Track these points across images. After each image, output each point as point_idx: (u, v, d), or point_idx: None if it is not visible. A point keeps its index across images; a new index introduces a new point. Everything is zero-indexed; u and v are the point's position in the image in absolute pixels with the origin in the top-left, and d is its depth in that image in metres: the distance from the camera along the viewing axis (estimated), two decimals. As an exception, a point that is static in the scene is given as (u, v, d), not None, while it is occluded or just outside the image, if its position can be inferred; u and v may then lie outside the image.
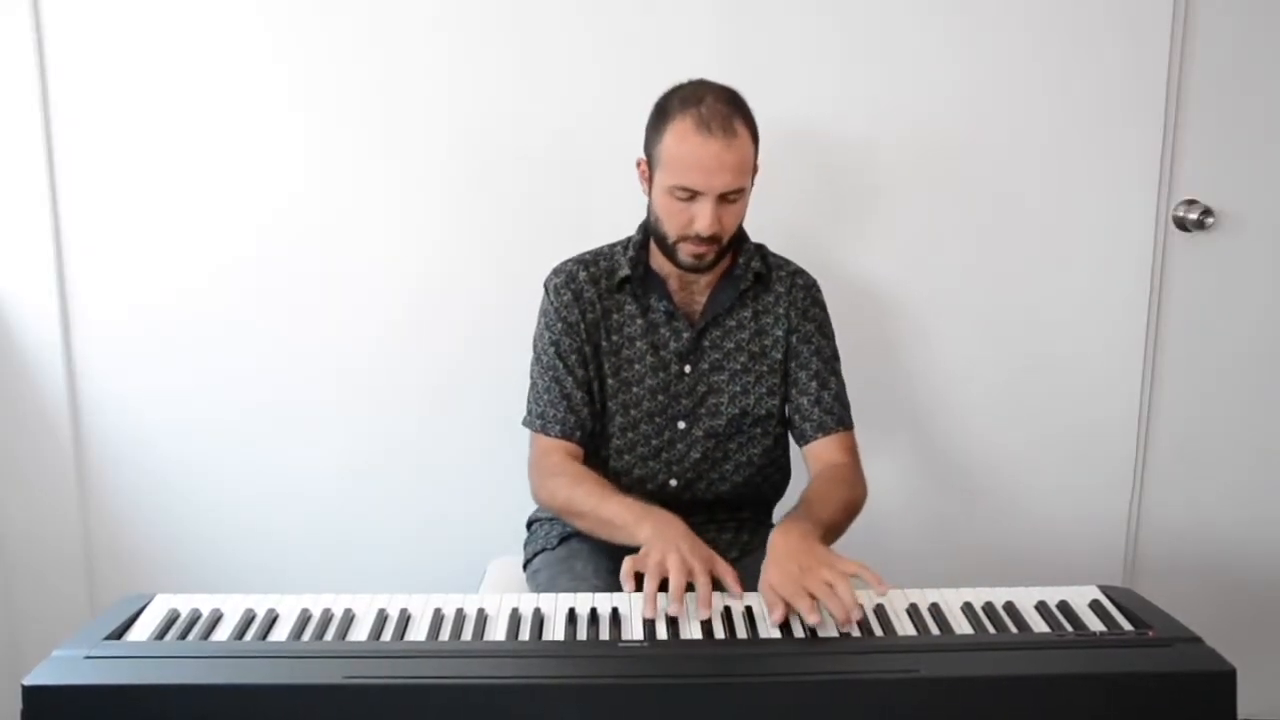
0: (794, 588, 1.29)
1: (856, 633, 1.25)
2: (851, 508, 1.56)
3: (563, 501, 1.57)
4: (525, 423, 1.67)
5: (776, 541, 1.39)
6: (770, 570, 1.34)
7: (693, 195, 1.51)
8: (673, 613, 1.27)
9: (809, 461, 1.66)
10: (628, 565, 1.33)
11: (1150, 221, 2.00)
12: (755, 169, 1.59)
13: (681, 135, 1.50)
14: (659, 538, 1.37)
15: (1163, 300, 2.04)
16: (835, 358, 1.69)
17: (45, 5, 1.85)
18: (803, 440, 1.66)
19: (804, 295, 1.68)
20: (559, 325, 1.64)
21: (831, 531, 1.48)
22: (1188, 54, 1.95)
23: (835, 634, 1.26)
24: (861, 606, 1.27)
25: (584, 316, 1.64)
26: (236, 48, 1.89)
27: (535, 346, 1.68)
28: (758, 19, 1.90)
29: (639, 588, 1.30)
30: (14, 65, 1.86)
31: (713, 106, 1.50)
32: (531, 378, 1.67)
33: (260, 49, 1.89)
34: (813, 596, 1.27)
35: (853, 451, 1.66)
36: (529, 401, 1.67)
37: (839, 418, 1.65)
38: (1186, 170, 1.99)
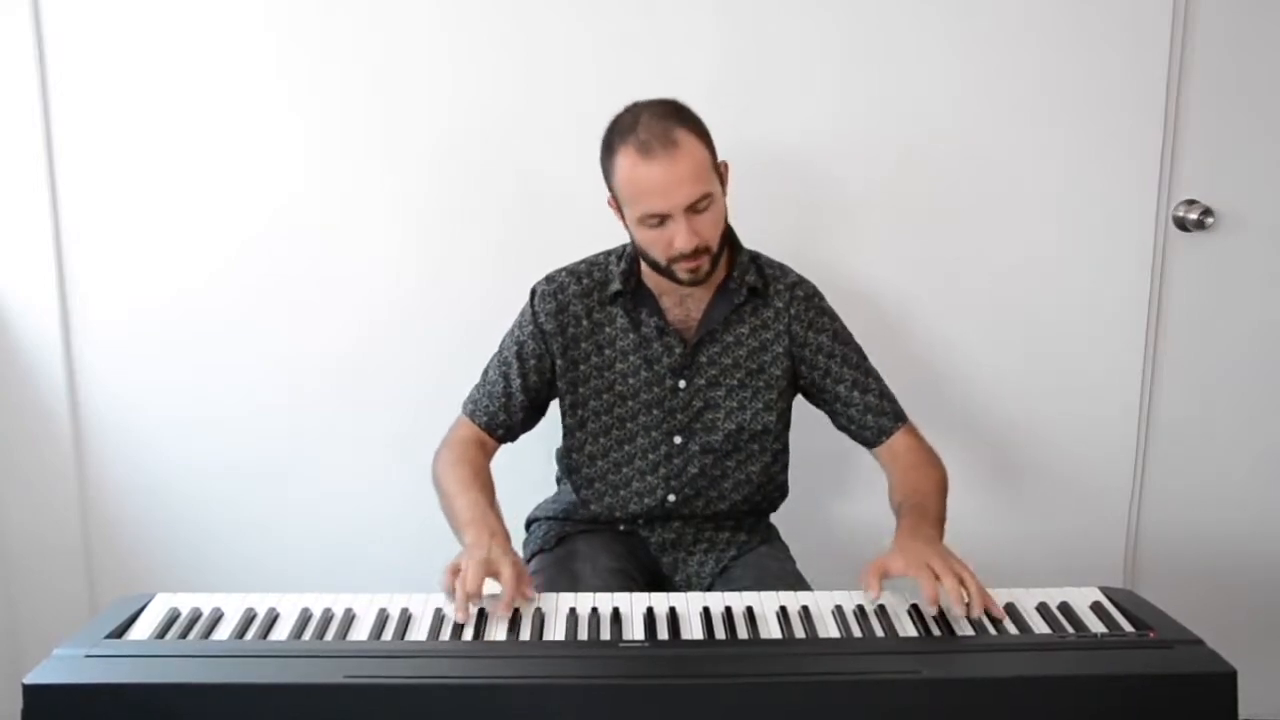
0: (918, 561, 1.31)
1: (969, 630, 1.26)
2: (945, 490, 1.57)
3: (438, 475, 1.59)
4: (462, 405, 1.68)
5: (903, 537, 1.41)
6: (893, 554, 1.36)
7: (662, 219, 1.49)
8: (459, 619, 1.28)
9: (883, 461, 1.64)
10: (447, 575, 1.34)
11: (1150, 221, 2.00)
12: (721, 169, 1.56)
13: (629, 166, 1.48)
14: (474, 546, 1.38)
15: (1163, 300, 2.04)
16: (863, 357, 1.67)
17: (45, 5, 1.85)
18: (868, 445, 1.66)
19: (807, 307, 1.64)
20: (530, 328, 1.64)
21: (943, 525, 1.50)
22: (1188, 54, 1.95)
23: (837, 634, 1.26)
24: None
25: (564, 330, 1.63)
26: (236, 48, 1.89)
27: (501, 342, 1.68)
28: (757, 20, 1.90)
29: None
30: (14, 65, 1.86)
31: (648, 125, 1.47)
32: (485, 368, 1.68)
33: (260, 49, 1.89)
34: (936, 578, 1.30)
35: (918, 435, 1.65)
36: (473, 388, 1.68)
37: (894, 414, 1.64)
38: (1186, 170, 1.99)
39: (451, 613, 1.29)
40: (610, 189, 1.56)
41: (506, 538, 1.42)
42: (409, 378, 2.01)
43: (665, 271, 1.55)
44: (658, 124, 1.47)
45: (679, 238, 1.48)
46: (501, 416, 1.64)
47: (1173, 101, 1.96)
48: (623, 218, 1.56)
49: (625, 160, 1.48)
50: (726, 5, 1.89)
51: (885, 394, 1.66)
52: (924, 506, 1.49)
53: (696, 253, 1.50)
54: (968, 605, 1.28)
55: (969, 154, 1.97)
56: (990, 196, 1.99)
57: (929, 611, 1.28)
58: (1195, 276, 2.04)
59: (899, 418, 1.65)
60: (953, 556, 1.35)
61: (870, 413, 1.63)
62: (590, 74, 1.90)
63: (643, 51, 1.89)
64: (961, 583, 1.29)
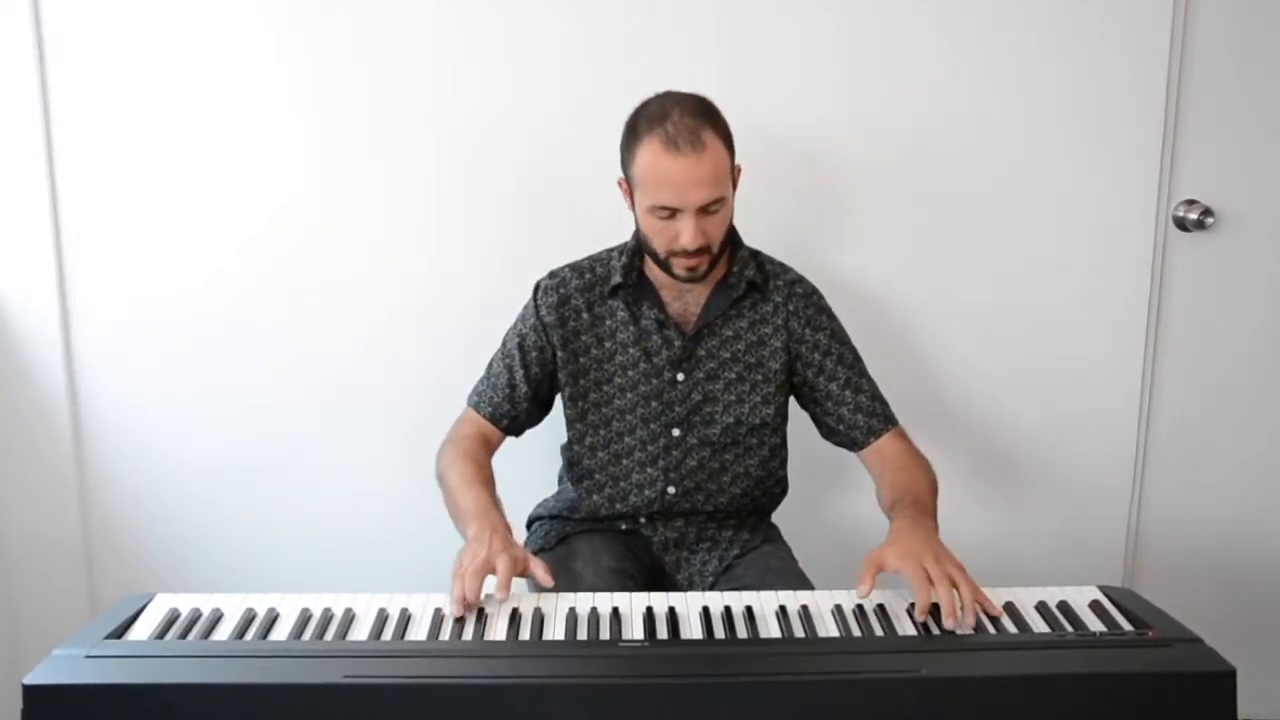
0: (914, 561, 1.31)
1: (970, 630, 1.26)
2: (936, 491, 1.57)
3: (442, 470, 1.61)
4: (467, 398, 1.71)
5: (902, 529, 1.41)
6: (888, 546, 1.36)
7: (672, 213, 1.51)
8: (456, 614, 1.29)
9: (870, 462, 1.65)
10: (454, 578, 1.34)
11: (1150, 221, 2.00)
12: (735, 172, 1.58)
13: (652, 156, 1.49)
14: (475, 540, 1.39)
15: (1163, 300, 2.04)
16: (858, 358, 1.68)
17: (45, 5, 1.85)
18: (856, 447, 1.66)
19: (805, 304, 1.66)
20: (532, 320, 1.66)
21: (937, 522, 1.50)
22: (1188, 54, 1.95)
23: (836, 634, 1.26)
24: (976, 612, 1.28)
25: (564, 323, 1.65)
26: (236, 48, 1.89)
27: (504, 336, 1.71)
28: (757, 22, 1.90)
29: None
30: (14, 65, 1.86)
31: (679, 122, 1.48)
32: (489, 362, 1.71)
33: (260, 49, 1.89)
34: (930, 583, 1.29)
35: (908, 439, 1.65)
36: (477, 380, 1.71)
37: (884, 416, 1.65)
38: (1186, 170, 1.99)
39: (450, 612, 1.30)
40: (625, 171, 1.57)
41: (508, 531, 1.44)
42: (409, 378, 2.01)
43: (663, 264, 1.57)
44: (690, 120, 1.49)
45: (685, 235, 1.51)
46: (506, 408, 1.66)
47: (1173, 101, 1.96)
48: (631, 200, 1.59)
49: (649, 150, 1.50)
50: (726, 6, 1.89)
51: (877, 396, 1.67)
52: (920, 502, 1.50)
53: (699, 251, 1.53)
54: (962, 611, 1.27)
55: (969, 154, 1.97)
56: (990, 197, 1.99)
57: (920, 618, 1.28)
58: (1195, 276, 2.04)
59: (889, 420, 1.66)
60: (948, 556, 1.34)
61: (861, 413, 1.64)
62: (590, 74, 1.90)
63: (643, 51, 1.89)
64: (956, 587, 1.28)
